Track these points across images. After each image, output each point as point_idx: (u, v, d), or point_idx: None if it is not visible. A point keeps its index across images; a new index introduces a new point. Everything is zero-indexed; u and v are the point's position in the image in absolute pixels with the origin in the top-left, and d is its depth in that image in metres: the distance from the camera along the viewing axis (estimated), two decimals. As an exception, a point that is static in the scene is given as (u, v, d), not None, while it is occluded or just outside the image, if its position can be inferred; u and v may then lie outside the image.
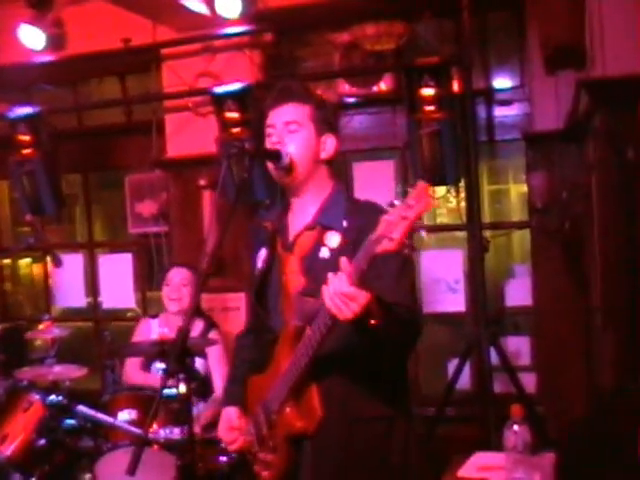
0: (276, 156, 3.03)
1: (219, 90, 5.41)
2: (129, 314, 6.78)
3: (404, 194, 2.37)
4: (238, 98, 5.32)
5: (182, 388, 4.22)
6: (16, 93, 6.70)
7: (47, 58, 6.34)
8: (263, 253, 3.18)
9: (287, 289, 3.03)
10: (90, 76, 6.82)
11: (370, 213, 2.97)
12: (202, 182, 5.81)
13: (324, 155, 3.05)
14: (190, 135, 5.96)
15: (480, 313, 5.22)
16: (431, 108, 4.99)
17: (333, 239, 2.97)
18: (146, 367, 5.28)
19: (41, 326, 6.76)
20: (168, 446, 4.43)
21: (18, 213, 7.31)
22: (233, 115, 5.31)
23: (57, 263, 4.85)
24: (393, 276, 2.79)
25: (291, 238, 3.08)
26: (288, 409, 2.94)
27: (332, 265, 2.75)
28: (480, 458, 3.91)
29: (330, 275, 2.53)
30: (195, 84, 5.86)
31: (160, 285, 5.43)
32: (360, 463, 2.94)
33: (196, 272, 5.34)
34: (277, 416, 2.99)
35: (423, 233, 2.46)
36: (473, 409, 5.48)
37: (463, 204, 5.35)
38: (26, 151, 5.89)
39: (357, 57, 5.80)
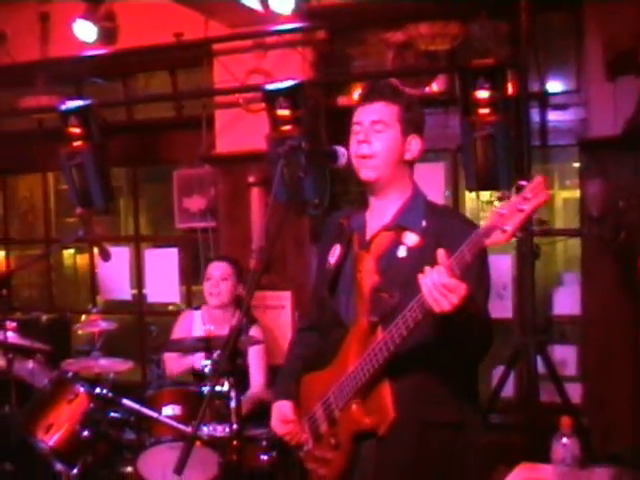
0: (333, 156, 3.01)
1: (270, 87, 5.38)
2: (171, 308, 6.78)
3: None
4: (289, 95, 5.28)
5: (226, 386, 4.25)
6: (68, 86, 6.73)
7: (99, 51, 6.36)
8: (337, 250, 3.16)
9: (361, 287, 3.01)
10: (141, 70, 6.82)
11: (450, 216, 3.00)
12: (251, 179, 5.79)
13: (408, 156, 3.04)
14: (240, 131, 5.94)
15: (528, 321, 5.15)
16: (485, 111, 4.92)
17: (411, 239, 2.95)
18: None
19: (84, 317, 6.83)
20: (211, 443, 4.42)
21: (65, 205, 7.37)
22: (284, 112, 5.28)
23: (105, 256, 4.85)
24: (474, 280, 2.74)
25: (368, 237, 3.06)
26: (354, 406, 2.91)
27: (409, 264, 2.75)
28: (525, 469, 3.85)
29: (427, 268, 2.52)
30: (246, 80, 5.83)
31: (202, 280, 5.45)
32: (426, 468, 2.92)
33: (236, 266, 5.38)
34: (341, 413, 2.97)
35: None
36: (517, 417, 5.42)
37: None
38: (76, 144, 5.91)
39: (410, 57, 5.74)
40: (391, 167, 3.01)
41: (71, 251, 8.04)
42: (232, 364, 2.79)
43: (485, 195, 5.37)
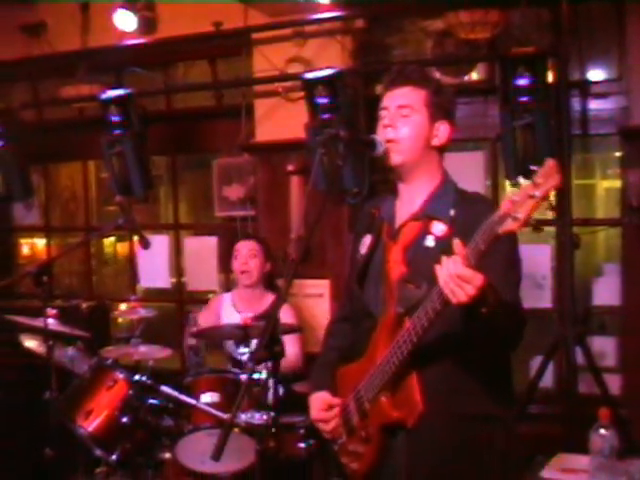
0: (371, 145, 3.00)
1: (310, 76, 5.37)
2: (210, 296, 6.81)
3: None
4: (329, 84, 5.27)
5: (264, 373, 4.27)
6: (108, 75, 6.77)
7: (139, 41, 6.41)
8: (368, 239, 3.15)
9: (389, 277, 3.00)
10: (180, 59, 6.85)
11: (479, 204, 2.96)
12: (290, 167, 5.80)
13: (436, 142, 3.01)
14: (279, 120, 5.94)
15: (567, 311, 5.12)
16: (525, 99, 4.89)
17: (439, 228, 2.93)
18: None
19: (123, 306, 6.88)
20: (248, 430, 4.44)
21: (105, 193, 7.42)
22: (323, 101, 5.28)
23: (145, 244, 4.87)
24: (502, 269, 2.75)
25: (397, 227, 3.05)
26: (383, 398, 2.91)
27: (436, 254, 2.73)
28: (563, 459, 3.84)
29: (444, 258, 2.51)
30: (285, 69, 5.84)
31: (229, 260, 5.51)
32: (457, 461, 2.90)
33: (264, 244, 5.45)
34: (371, 405, 2.96)
35: None
36: (555, 408, 5.40)
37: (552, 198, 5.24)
38: (117, 132, 5.95)
39: (450, 45, 5.71)
40: (418, 152, 2.99)
41: (111, 239, 8.09)
42: (270, 352, 2.79)
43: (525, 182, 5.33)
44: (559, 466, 3.75)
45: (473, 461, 2.92)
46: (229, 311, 5.41)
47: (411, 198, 3.05)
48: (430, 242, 2.93)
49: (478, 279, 2.47)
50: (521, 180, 2.38)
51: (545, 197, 2.32)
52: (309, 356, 5.11)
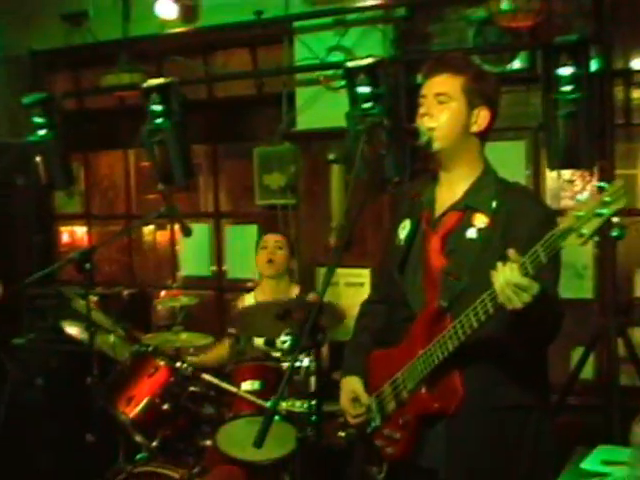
0: (414, 133, 3.00)
1: (351, 64, 5.35)
2: (249, 284, 6.83)
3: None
4: (370, 73, 5.25)
5: (306, 361, 4.28)
6: (149, 64, 6.80)
7: (180, 30, 6.42)
8: (407, 225, 3.13)
9: (428, 266, 2.99)
10: (221, 47, 6.84)
11: (522, 197, 2.94)
12: (331, 156, 5.79)
13: (475, 128, 3.00)
14: (320, 109, 5.94)
15: (609, 302, 5.09)
16: (568, 88, 4.83)
17: (480, 220, 2.91)
18: None
19: (163, 293, 6.92)
20: (289, 418, 4.46)
21: (144, 182, 7.46)
22: (364, 90, 5.27)
23: (187, 232, 4.89)
24: (547, 271, 2.71)
25: (437, 215, 3.04)
26: (423, 390, 2.92)
27: (478, 247, 2.72)
28: (604, 452, 3.81)
29: (499, 264, 2.51)
30: (327, 58, 5.83)
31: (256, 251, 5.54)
32: (495, 450, 2.91)
33: (289, 239, 5.54)
34: (409, 395, 2.96)
35: None
36: (596, 399, 5.36)
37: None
38: (158, 121, 5.97)
39: (492, 34, 5.67)
40: (456, 139, 2.99)
41: (151, 227, 8.12)
42: (312, 340, 2.79)
43: (566, 174, 5.30)
44: (600, 458, 3.72)
45: (510, 451, 2.93)
46: None
47: (452, 186, 3.04)
48: (472, 234, 2.92)
49: (534, 288, 2.47)
50: (582, 197, 2.38)
51: (612, 216, 2.32)
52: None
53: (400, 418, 3.02)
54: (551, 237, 2.41)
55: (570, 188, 6.00)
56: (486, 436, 2.90)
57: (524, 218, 2.84)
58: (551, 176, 5.64)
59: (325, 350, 5.13)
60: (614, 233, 2.40)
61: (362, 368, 3.24)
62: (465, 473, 2.92)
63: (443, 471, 2.95)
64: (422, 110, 3.01)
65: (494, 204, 2.93)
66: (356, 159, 3.16)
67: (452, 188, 3.04)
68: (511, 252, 2.50)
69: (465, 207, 2.98)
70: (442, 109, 2.98)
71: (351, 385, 3.24)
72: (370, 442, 3.20)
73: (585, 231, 2.32)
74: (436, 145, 2.98)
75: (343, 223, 5.43)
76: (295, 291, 5.37)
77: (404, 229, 3.14)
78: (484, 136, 3.06)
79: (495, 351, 2.86)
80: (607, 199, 2.29)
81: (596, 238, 2.35)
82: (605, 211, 2.29)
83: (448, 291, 2.89)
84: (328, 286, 2.86)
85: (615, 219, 2.35)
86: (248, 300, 5.53)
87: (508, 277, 2.47)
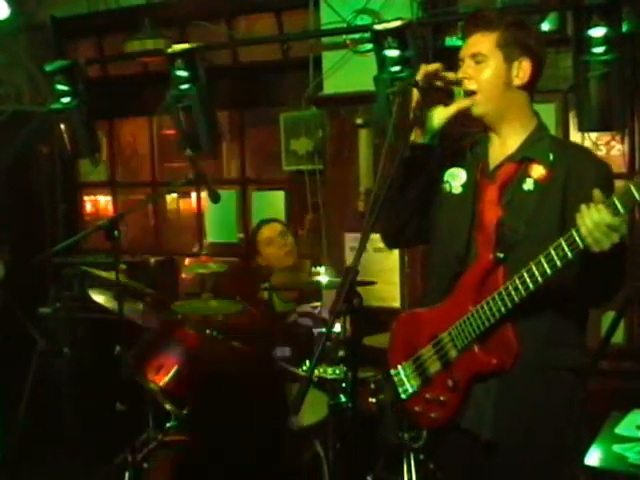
0: (447, 95, 2.95)
1: (378, 27, 5.29)
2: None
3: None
4: (398, 35, 5.19)
5: (339, 328, 4.27)
6: (173, 29, 6.75)
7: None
8: (461, 175, 3.07)
9: (483, 219, 2.94)
10: (246, 12, 6.76)
11: (579, 152, 2.91)
12: (359, 120, 5.73)
13: (518, 82, 2.93)
14: (347, 73, 5.86)
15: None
16: (600, 50, 4.76)
17: (538, 171, 2.87)
18: None
19: (187, 261, 6.90)
20: (321, 385, 4.45)
21: (166, 150, 7.44)
22: (393, 53, 5.21)
23: (215, 198, 4.84)
24: None
25: (492, 167, 2.98)
26: (476, 347, 2.87)
27: (535, 198, 2.69)
28: (639, 416, 3.79)
29: (583, 206, 2.49)
30: (354, 21, 5.75)
31: (254, 249, 5.55)
32: (542, 412, 2.88)
33: (285, 223, 5.51)
34: (460, 354, 2.92)
35: None
36: (627, 364, 5.33)
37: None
38: (183, 87, 5.92)
39: (521, -6, 5.58)
40: (499, 98, 2.93)
41: (174, 195, 8.12)
42: (349, 304, 2.75)
43: (592, 137, 5.24)
44: (634, 423, 3.71)
45: (557, 412, 2.91)
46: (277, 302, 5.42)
47: (505, 141, 2.99)
48: (529, 185, 2.87)
49: (624, 228, 2.46)
50: None
51: None
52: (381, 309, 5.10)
53: (448, 379, 2.97)
54: (629, 190, 2.40)
55: (607, 151, 5.94)
56: (535, 398, 2.87)
57: (584, 172, 2.80)
58: (575, 140, 5.57)
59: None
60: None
61: None
62: (514, 434, 2.89)
63: (488, 432, 2.91)
64: (460, 74, 2.95)
65: (551, 156, 2.88)
66: (389, 123, 3.09)
67: (505, 142, 2.98)
68: (596, 193, 2.47)
69: (522, 159, 2.93)
70: (480, 69, 2.92)
71: None
72: (404, 410, 3.17)
73: None
74: (480, 110, 2.94)
75: (371, 188, 5.38)
76: (307, 266, 5.32)
77: (456, 179, 3.07)
78: (531, 88, 2.98)
79: (550, 307, 2.82)
80: None
81: None
82: None
83: (504, 243, 2.85)
84: (362, 252, 2.81)
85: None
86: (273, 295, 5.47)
87: (598, 218, 2.44)
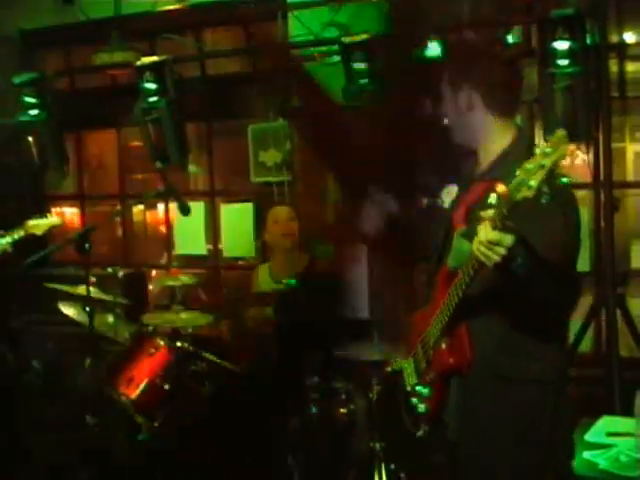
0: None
1: (347, 40, 5.33)
2: (240, 262, 6.83)
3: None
4: (366, 49, 5.24)
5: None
6: (141, 42, 6.75)
7: (172, 7, 6.38)
8: (453, 193, 3.26)
9: (452, 231, 3.09)
10: (214, 24, 6.78)
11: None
12: (328, 132, 5.78)
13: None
14: (316, 85, 5.89)
15: (608, 274, 5.10)
16: (564, 62, 4.83)
17: (501, 188, 2.95)
18: None
19: (154, 272, 6.88)
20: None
21: (132, 162, 7.42)
22: (361, 66, 5.25)
23: (185, 211, 4.85)
24: (538, 232, 2.74)
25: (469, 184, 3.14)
26: (443, 345, 3.02)
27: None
28: (608, 423, 3.83)
29: (479, 226, 2.61)
30: (322, 34, 5.78)
31: (263, 229, 5.55)
32: (504, 422, 2.94)
33: (297, 211, 5.51)
34: (434, 352, 3.07)
35: None
36: (596, 371, 5.38)
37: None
38: (152, 99, 5.92)
39: (487, 8, 5.64)
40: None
41: (140, 207, 8.08)
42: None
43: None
44: (603, 430, 3.74)
45: (521, 424, 2.94)
46: (266, 282, 5.43)
47: (485, 158, 3.10)
48: (493, 201, 2.94)
49: (507, 239, 2.54)
50: (537, 150, 2.41)
51: (554, 166, 2.39)
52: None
53: (427, 376, 3.13)
54: (507, 191, 2.49)
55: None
56: (494, 405, 2.94)
57: None
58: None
59: None
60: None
61: None
62: (474, 437, 2.99)
63: (452, 433, 3.06)
64: None
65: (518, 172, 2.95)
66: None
67: (486, 158, 3.09)
68: (486, 211, 2.60)
69: (489, 177, 3.00)
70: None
71: None
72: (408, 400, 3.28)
73: (532, 183, 2.41)
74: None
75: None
76: (305, 261, 5.37)
77: (448, 196, 3.25)
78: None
79: (500, 314, 2.90)
80: (548, 150, 2.38)
81: (545, 189, 2.41)
82: (546, 162, 2.38)
83: (459, 254, 2.95)
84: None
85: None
86: (262, 272, 5.55)
87: (482, 234, 2.58)
